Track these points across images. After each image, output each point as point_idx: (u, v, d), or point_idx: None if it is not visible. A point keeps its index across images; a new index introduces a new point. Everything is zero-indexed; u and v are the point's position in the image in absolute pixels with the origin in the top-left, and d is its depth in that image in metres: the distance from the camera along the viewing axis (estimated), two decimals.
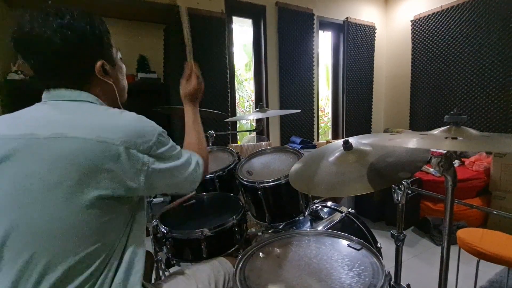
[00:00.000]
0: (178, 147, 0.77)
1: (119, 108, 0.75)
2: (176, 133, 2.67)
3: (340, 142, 1.01)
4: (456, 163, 3.00)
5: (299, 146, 3.10)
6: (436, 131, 0.71)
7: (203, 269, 0.95)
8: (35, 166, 0.58)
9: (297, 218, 1.31)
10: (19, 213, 0.58)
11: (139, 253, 0.70)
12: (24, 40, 0.63)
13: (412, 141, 0.65)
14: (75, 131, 0.59)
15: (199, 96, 1.06)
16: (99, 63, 0.69)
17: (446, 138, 0.65)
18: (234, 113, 3.11)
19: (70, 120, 0.62)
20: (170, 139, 0.74)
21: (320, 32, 3.62)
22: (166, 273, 1.49)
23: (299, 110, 1.97)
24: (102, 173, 0.60)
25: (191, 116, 1.01)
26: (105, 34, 0.72)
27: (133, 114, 0.69)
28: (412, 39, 3.69)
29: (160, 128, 0.70)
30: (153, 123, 0.70)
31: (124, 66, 0.82)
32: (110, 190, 0.61)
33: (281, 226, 1.31)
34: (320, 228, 1.27)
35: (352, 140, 1.01)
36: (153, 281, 1.44)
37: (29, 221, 0.58)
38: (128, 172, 0.63)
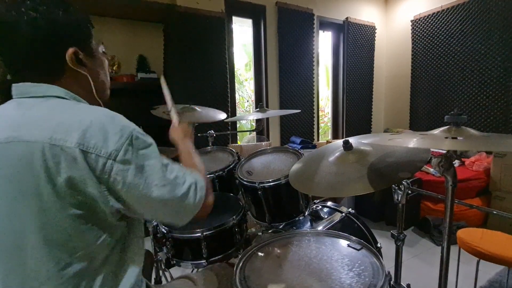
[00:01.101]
0: (167, 159, 0.64)
1: (99, 104, 0.70)
2: None
3: (340, 142, 1.01)
4: (456, 163, 3.00)
5: (299, 146, 3.10)
6: (436, 131, 0.71)
7: (207, 273, 0.95)
8: None
9: (297, 218, 1.31)
10: None
11: (135, 270, 0.66)
12: None
13: (412, 141, 0.65)
14: (29, 134, 0.54)
15: (190, 134, 0.98)
16: (70, 50, 0.62)
17: (446, 138, 0.65)
18: (234, 113, 3.11)
19: (28, 120, 0.56)
20: (151, 142, 0.62)
21: (320, 32, 3.62)
22: (166, 273, 1.50)
23: (299, 110, 1.97)
24: (61, 181, 0.53)
25: (186, 153, 0.88)
26: (82, 22, 0.66)
27: (104, 110, 0.60)
28: (412, 39, 3.69)
29: (133, 127, 0.59)
30: (125, 121, 0.60)
31: (106, 61, 0.75)
32: (74, 203, 0.55)
33: (281, 226, 1.31)
34: (320, 228, 1.27)
35: (352, 140, 1.01)
36: (153, 281, 1.44)
37: None
38: (88, 180, 0.54)
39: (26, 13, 0.57)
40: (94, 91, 0.68)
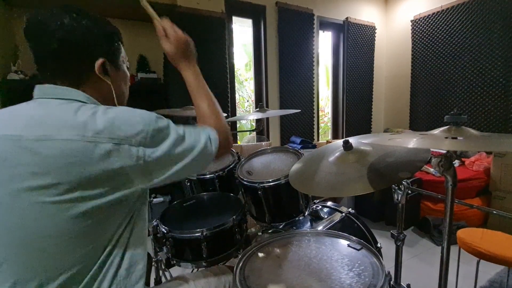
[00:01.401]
0: (182, 128, 0.70)
1: None
2: None
3: (340, 142, 1.01)
4: (456, 163, 3.00)
5: (299, 146, 3.10)
6: (436, 131, 0.71)
7: (204, 275, 0.95)
8: (20, 169, 0.56)
9: (297, 218, 1.31)
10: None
11: (141, 252, 0.69)
12: (33, 27, 0.64)
13: (412, 141, 0.65)
14: (61, 133, 0.57)
15: (191, 49, 0.88)
16: (100, 61, 0.68)
17: (446, 138, 0.65)
18: (234, 113, 3.11)
19: (56, 120, 0.59)
20: (170, 122, 0.68)
21: (320, 32, 3.62)
22: (166, 273, 1.49)
23: (299, 110, 1.97)
24: (95, 175, 0.57)
25: (192, 79, 0.87)
26: (114, 36, 0.73)
27: (122, 107, 0.66)
28: (412, 39, 3.69)
29: (153, 115, 0.65)
30: (143, 111, 0.65)
31: (128, 76, 0.81)
32: (107, 194, 0.59)
33: (281, 226, 1.31)
34: (320, 228, 1.27)
35: (352, 140, 1.01)
36: (152, 282, 1.44)
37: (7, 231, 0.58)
38: (123, 169, 0.59)
39: (67, 24, 0.63)
40: (115, 100, 0.73)
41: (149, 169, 0.62)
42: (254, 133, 3.34)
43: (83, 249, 0.60)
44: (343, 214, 1.39)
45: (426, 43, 3.51)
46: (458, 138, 0.65)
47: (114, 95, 0.73)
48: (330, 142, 3.30)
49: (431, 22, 3.43)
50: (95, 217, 0.59)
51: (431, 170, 2.75)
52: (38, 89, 0.66)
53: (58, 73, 0.66)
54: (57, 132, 0.57)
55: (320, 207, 1.49)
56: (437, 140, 0.67)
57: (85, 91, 0.67)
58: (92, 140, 0.57)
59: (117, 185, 0.60)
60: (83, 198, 0.57)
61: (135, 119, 0.62)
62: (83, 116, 0.60)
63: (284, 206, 1.32)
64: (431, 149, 0.72)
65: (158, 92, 2.76)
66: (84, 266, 0.61)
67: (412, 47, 3.70)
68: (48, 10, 0.64)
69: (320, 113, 4.10)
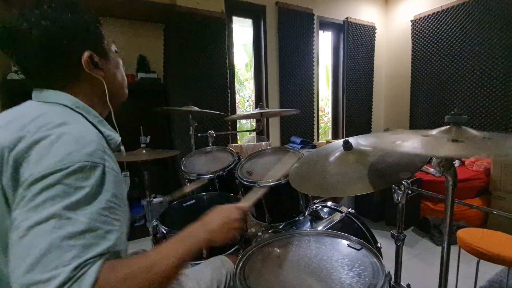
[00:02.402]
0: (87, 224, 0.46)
1: (109, 111, 0.69)
2: (176, 134, 2.67)
3: (340, 142, 1.01)
4: (456, 163, 3.00)
5: (299, 146, 3.10)
6: (436, 131, 0.71)
7: (204, 268, 0.95)
8: None
9: (297, 218, 1.31)
10: None
11: None
12: (4, 35, 0.58)
13: (413, 145, 0.64)
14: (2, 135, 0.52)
15: (220, 240, 0.69)
16: (86, 54, 0.61)
17: (449, 140, 0.64)
18: (234, 113, 3.11)
19: (13, 122, 0.54)
20: (89, 187, 0.49)
21: (320, 32, 3.62)
22: None
23: (299, 110, 1.97)
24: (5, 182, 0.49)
25: (185, 247, 0.58)
26: (92, 22, 0.64)
27: (76, 128, 0.54)
28: (412, 39, 3.69)
29: (85, 159, 0.50)
30: (86, 148, 0.51)
31: (120, 61, 0.73)
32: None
33: (281, 226, 1.31)
34: (320, 228, 1.27)
35: (352, 140, 1.01)
36: None
37: None
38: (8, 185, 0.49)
39: (36, 22, 0.57)
40: (107, 97, 0.67)
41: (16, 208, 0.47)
42: (254, 133, 3.34)
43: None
44: (343, 214, 1.39)
45: (426, 43, 3.51)
46: (459, 140, 0.64)
47: (106, 91, 0.66)
48: (330, 142, 3.30)
49: (431, 22, 3.43)
50: None
51: (431, 170, 2.75)
52: (33, 93, 0.63)
53: (44, 78, 0.61)
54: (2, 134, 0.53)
55: (320, 207, 1.48)
56: (438, 144, 0.66)
57: (75, 93, 0.62)
58: (14, 148, 0.50)
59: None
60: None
61: (63, 150, 0.49)
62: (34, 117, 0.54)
63: (284, 206, 1.32)
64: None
65: (158, 92, 2.76)
66: None
67: (412, 47, 3.70)
68: (16, 10, 0.58)
69: (320, 113, 4.09)
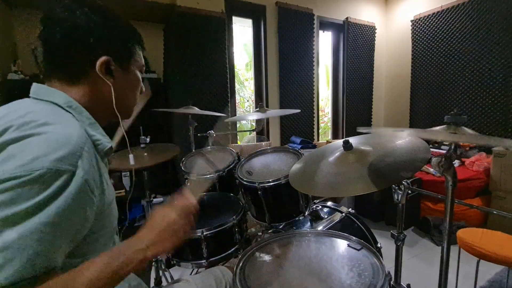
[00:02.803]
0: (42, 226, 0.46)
1: (116, 118, 0.68)
2: (176, 134, 2.67)
3: (340, 142, 1.01)
4: (456, 163, 3.00)
5: (299, 146, 3.10)
6: (435, 129, 0.71)
7: (206, 276, 0.95)
8: None
9: (297, 218, 1.31)
10: None
11: None
12: (45, 15, 0.61)
13: (409, 135, 0.65)
14: None
15: (164, 248, 0.61)
16: (103, 58, 0.62)
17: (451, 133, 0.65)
18: (234, 113, 3.11)
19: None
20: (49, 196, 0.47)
21: (320, 32, 3.62)
22: (166, 274, 1.49)
23: (299, 110, 1.97)
24: None
25: (114, 270, 0.51)
26: (128, 36, 0.68)
27: (56, 129, 0.52)
28: (412, 39, 3.69)
29: (51, 165, 0.48)
30: (57, 153, 0.49)
31: (140, 83, 0.73)
32: None
33: (281, 226, 1.31)
34: (320, 228, 1.27)
35: (352, 140, 1.01)
36: (152, 282, 1.44)
37: None
38: None
39: (75, 16, 0.60)
40: (114, 103, 0.65)
41: None
42: (254, 133, 3.34)
43: None
44: (343, 214, 1.39)
45: (426, 43, 3.51)
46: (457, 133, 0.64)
47: (114, 97, 0.65)
48: (330, 142, 3.30)
49: (431, 22, 3.43)
50: None
51: (431, 170, 2.75)
52: (32, 87, 0.63)
53: (57, 68, 0.62)
54: None
55: (320, 207, 1.48)
56: (437, 132, 0.66)
57: (78, 91, 0.63)
58: None
59: None
60: None
61: (29, 153, 0.48)
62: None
63: (284, 206, 1.32)
64: (431, 149, 0.72)
65: (158, 92, 2.76)
66: None
67: (412, 47, 3.70)
68: (62, 2, 0.61)
69: (320, 113, 4.10)
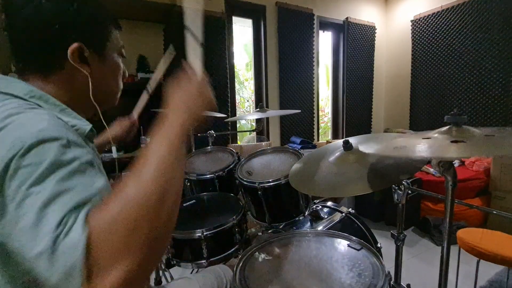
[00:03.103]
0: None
1: (95, 109, 0.62)
2: None
3: (340, 142, 1.01)
4: (456, 163, 3.00)
5: (299, 146, 3.10)
6: (436, 133, 0.71)
7: (207, 275, 0.95)
8: None
9: (297, 218, 1.31)
10: None
11: None
12: (3, 6, 0.54)
13: (417, 149, 0.64)
14: None
15: (203, 99, 0.62)
16: (74, 45, 0.55)
17: (452, 142, 0.64)
18: (234, 114, 3.11)
19: None
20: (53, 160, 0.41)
21: (320, 32, 3.62)
22: (166, 274, 1.49)
23: (299, 110, 1.97)
24: None
25: (173, 135, 0.50)
26: (99, 19, 0.61)
27: (26, 115, 0.46)
28: (412, 39, 3.69)
29: (33, 137, 0.41)
30: (33, 129, 0.42)
31: (121, 67, 0.67)
32: None
33: (281, 226, 1.31)
34: (320, 228, 1.27)
35: (352, 140, 1.01)
36: (152, 281, 1.44)
37: None
38: None
39: (38, 1, 0.53)
40: (90, 93, 0.59)
41: None
42: (254, 133, 3.34)
43: None
44: (343, 214, 1.39)
45: (426, 43, 3.51)
46: (460, 140, 0.64)
47: (90, 87, 0.59)
48: (330, 142, 3.30)
49: (431, 22, 3.43)
50: None
51: (431, 170, 2.75)
52: None
53: (26, 61, 0.57)
54: None
55: (320, 207, 1.48)
56: (441, 146, 0.66)
57: (54, 85, 0.57)
58: None
59: None
60: None
61: (10, 137, 0.42)
62: None
63: (284, 206, 1.32)
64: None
65: (158, 92, 2.75)
66: None
67: (412, 47, 3.70)
68: None
69: (320, 113, 4.10)
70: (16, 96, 0.51)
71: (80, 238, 0.35)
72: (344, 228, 1.31)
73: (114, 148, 1.05)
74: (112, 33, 0.64)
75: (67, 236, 0.36)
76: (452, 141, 0.63)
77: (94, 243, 0.36)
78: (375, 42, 4.01)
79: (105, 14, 0.63)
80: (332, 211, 1.44)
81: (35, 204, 0.37)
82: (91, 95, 0.59)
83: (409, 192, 0.94)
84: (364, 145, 0.87)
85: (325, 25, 3.66)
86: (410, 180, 2.54)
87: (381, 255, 1.03)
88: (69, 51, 0.55)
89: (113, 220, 0.37)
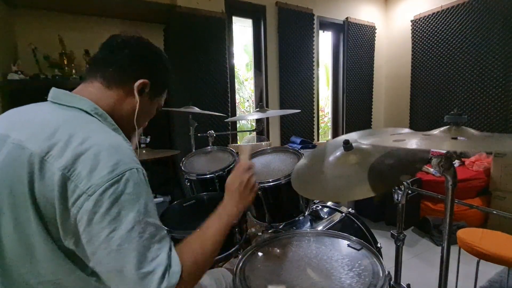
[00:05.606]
0: (150, 219, 0.56)
1: (134, 129, 0.73)
2: (176, 134, 2.67)
3: (340, 139, 1.01)
4: (456, 163, 3.00)
5: (299, 146, 3.10)
6: (436, 131, 0.71)
7: (207, 278, 0.95)
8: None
9: (297, 218, 1.31)
10: None
11: None
12: (114, 41, 0.72)
13: (413, 142, 0.65)
14: (31, 142, 0.54)
15: (247, 202, 0.86)
16: (145, 80, 0.71)
17: (452, 138, 0.64)
18: (234, 114, 3.11)
19: (39, 127, 0.56)
20: (142, 194, 0.55)
21: (320, 32, 3.62)
22: None
23: (299, 110, 1.97)
24: (38, 197, 0.52)
25: (218, 220, 0.77)
26: (168, 78, 0.79)
27: (114, 137, 0.60)
28: (412, 39, 3.69)
29: (132, 166, 0.55)
30: (128, 156, 0.57)
31: (153, 115, 0.82)
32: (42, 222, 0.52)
33: (281, 226, 1.31)
34: (320, 228, 1.27)
35: (354, 135, 1.01)
36: None
37: None
38: (58, 207, 0.51)
39: (128, 54, 0.71)
40: (135, 116, 0.73)
41: (78, 228, 0.51)
42: (254, 133, 3.34)
43: None
44: (343, 214, 1.39)
45: (426, 43, 3.51)
46: (459, 138, 0.64)
47: (137, 111, 0.72)
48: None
49: (431, 22, 3.43)
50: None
51: (431, 170, 2.72)
52: (52, 92, 0.66)
53: (110, 76, 0.69)
54: (29, 140, 0.55)
55: (320, 207, 1.49)
56: (438, 140, 0.67)
57: (109, 96, 0.68)
58: (49, 161, 0.52)
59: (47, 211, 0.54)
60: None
61: (109, 160, 0.53)
62: (67, 130, 0.56)
63: (284, 206, 1.32)
64: (432, 149, 0.72)
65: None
66: None
67: (412, 47, 3.70)
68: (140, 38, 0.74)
69: (320, 113, 4.10)
70: (84, 111, 0.63)
71: (178, 270, 0.55)
72: (344, 228, 1.31)
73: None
74: (164, 93, 0.82)
75: (172, 266, 0.55)
76: (452, 138, 0.64)
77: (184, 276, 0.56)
78: (375, 42, 4.01)
79: (170, 79, 0.81)
80: (332, 211, 1.44)
81: (145, 234, 0.53)
82: (135, 118, 0.73)
83: (409, 192, 0.94)
84: (364, 139, 0.88)
85: (325, 25, 3.66)
86: (410, 180, 2.54)
87: (381, 255, 1.04)
88: (138, 81, 0.70)
89: (193, 267, 0.60)
